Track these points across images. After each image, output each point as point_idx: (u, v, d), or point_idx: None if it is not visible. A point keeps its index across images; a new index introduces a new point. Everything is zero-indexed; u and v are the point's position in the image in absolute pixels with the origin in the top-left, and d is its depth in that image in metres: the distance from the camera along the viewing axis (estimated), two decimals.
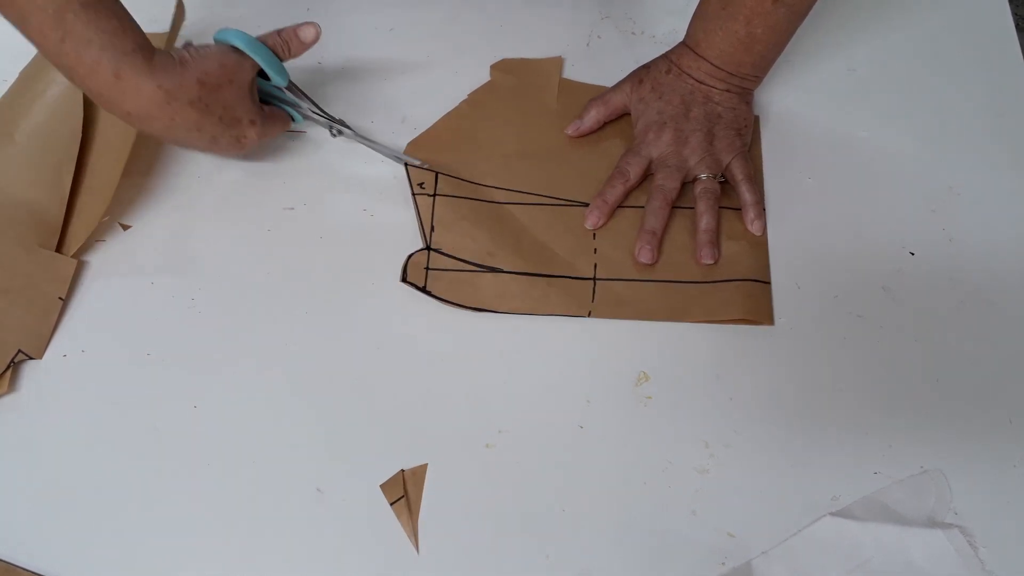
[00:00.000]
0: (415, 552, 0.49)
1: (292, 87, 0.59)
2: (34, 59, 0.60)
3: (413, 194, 0.59)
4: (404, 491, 0.50)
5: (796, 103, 0.65)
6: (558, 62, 0.67)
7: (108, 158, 0.57)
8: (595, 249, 0.58)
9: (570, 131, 0.63)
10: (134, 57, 0.49)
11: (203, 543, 0.49)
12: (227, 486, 0.51)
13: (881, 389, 0.54)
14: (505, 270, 0.57)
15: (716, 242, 0.58)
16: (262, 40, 0.56)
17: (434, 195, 0.59)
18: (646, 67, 0.63)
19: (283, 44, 0.57)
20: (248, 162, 0.62)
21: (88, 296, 0.57)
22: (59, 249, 0.57)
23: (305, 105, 0.59)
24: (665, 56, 0.62)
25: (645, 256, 0.57)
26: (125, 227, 0.60)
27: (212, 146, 0.56)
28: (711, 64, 0.60)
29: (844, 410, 0.53)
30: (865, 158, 0.63)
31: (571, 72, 0.67)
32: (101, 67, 0.48)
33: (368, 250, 0.59)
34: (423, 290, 0.56)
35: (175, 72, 0.51)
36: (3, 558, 0.49)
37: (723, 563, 0.48)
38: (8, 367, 0.54)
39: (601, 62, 0.67)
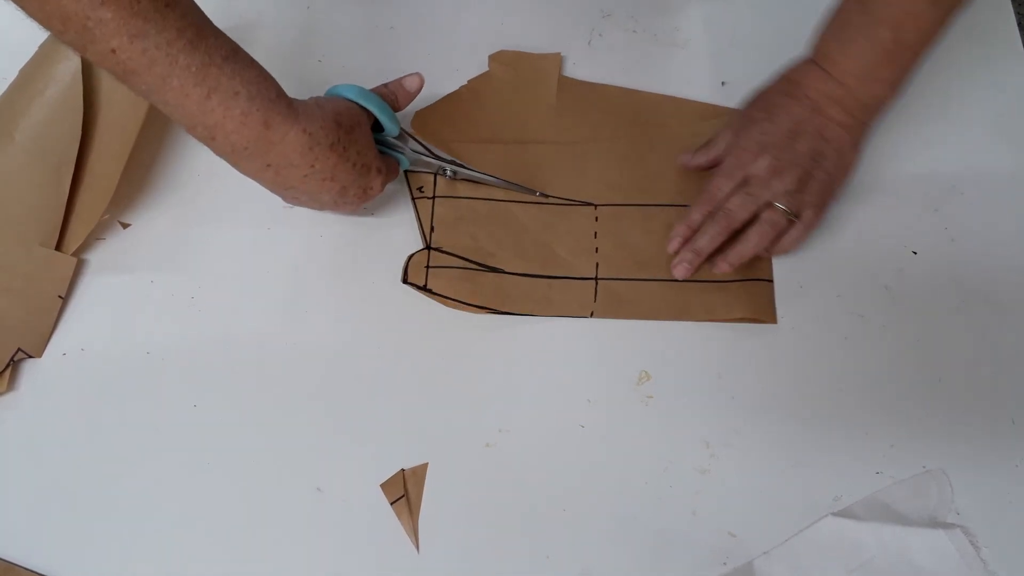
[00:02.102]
0: (415, 551, 0.49)
1: (403, 135, 0.57)
2: (33, 57, 0.60)
3: (412, 199, 0.59)
4: (404, 490, 0.50)
5: None
6: (556, 59, 0.66)
7: (108, 156, 0.57)
8: (596, 248, 0.58)
9: (681, 160, 0.60)
10: (279, 103, 0.47)
11: (203, 542, 0.49)
12: (227, 485, 0.51)
13: (883, 389, 0.54)
14: (506, 271, 0.57)
15: (737, 263, 0.55)
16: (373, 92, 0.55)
17: (433, 198, 0.59)
18: (761, 89, 0.59)
19: (391, 95, 0.56)
20: None
21: (88, 294, 0.57)
22: (59, 247, 0.56)
23: (411, 151, 0.58)
24: (784, 75, 0.57)
25: (680, 271, 0.55)
26: (125, 225, 0.60)
27: (339, 198, 0.53)
28: (840, 83, 0.54)
29: (846, 410, 0.53)
30: (867, 156, 0.62)
31: (572, 70, 0.67)
32: (251, 118, 0.46)
33: (368, 249, 0.58)
34: (424, 289, 0.56)
35: (316, 114, 0.49)
36: (3, 557, 0.49)
37: (724, 563, 0.48)
38: (8, 365, 0.54)
39: (602, 60, 0.67)
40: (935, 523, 0.49)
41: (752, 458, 0.51)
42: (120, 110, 0.57)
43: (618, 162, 0.62)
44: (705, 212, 0.56)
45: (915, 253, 0.58)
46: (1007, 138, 0.63)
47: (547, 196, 0.60)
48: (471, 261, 0.57)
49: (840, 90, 0.55)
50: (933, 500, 0.50)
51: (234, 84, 0.45)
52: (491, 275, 0.57)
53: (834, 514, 0.49)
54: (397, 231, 0.59)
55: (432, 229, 0.58)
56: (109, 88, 0.58)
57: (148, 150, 0.62)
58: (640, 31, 0.69)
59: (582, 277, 0.57)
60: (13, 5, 0.42)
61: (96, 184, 0.57)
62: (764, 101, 0.57)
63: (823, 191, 0.56)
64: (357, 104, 0.53)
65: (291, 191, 0.52)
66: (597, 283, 0.57)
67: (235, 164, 0.50)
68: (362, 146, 0.52)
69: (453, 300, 0.56)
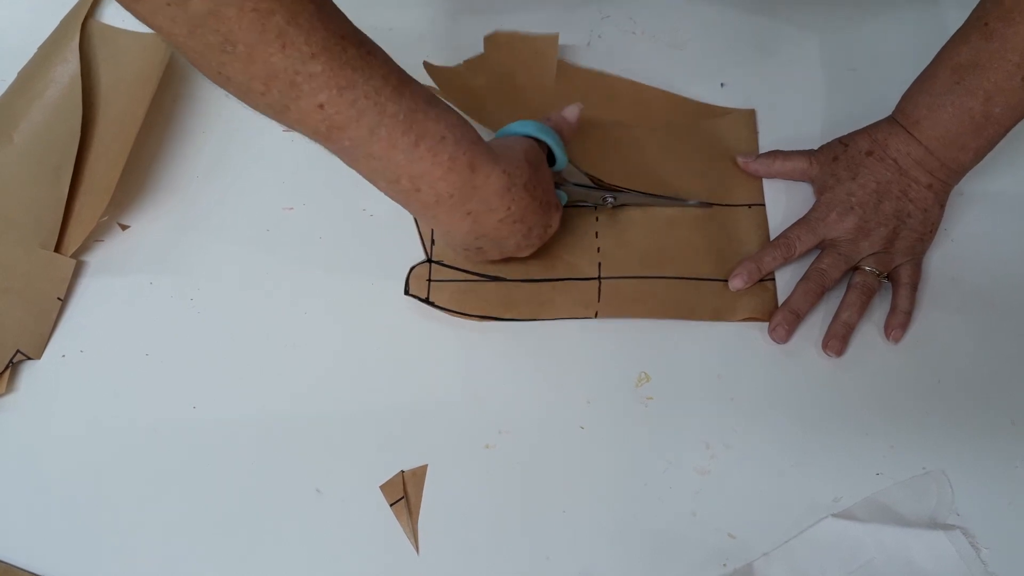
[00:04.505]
0: (415, 553, 0.49)
1: (571, 167, 0.57)
2: (32, 59, 0.60)
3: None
4: (404, 492, 0.50)
5: (796, 102, 0.65)
6: (553, 40, 0.66)
7: (107, 158, 0.57)
8: (598, 248, 0.58)
9: (739, 160, 0.61)
10: (480, 145, 0.46)
11: (202, 543, 0.49)
12: (226, 486, 0.51)
13: (883, 390, 0.54)
14: (507, 278, 0.57)
15: (848, 338, 0.55)
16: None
17: None
18: (843, 144, 0.58)
19: (557, 129, 0.54)
20: (247, 161, 0.62)
21: (87, 296, 0.57)
22: (58, 249, 0.56)
23: (571, 183, 0.57)
24: (867, 133, 0.57)
25: (779, 335, 0.54)
26: (124, 227, 0.60)
27: (524, 240, 0.51)
28: (925, 149, 0.55)
29: (846, 410, 0.53)
30: None
31: None
32: (458, 162, 0.44)
33: (368, 250, 0.58)
34: (426, 301, 0.56)
35: (511, 154, 0.48)
36: (1, 558, 0.49)
37: (724, 564, 0.48)
38: (7, 367, 0.54)
39: (601, 62, 0.67)
40: (935, 524, 0.49)
41: (752, 459, 0.51)
42: (119, 112, 0.58)
43: (617, 149, 0.61)
44: (779, 258, 0.56)
45: None
46: (1007, 138, 0.63)
47: (707, 204, 0.59)
48: (472, 273, 0.57)
49: (924, 153, 0.55)
50: (933, 501, 0.50)
51: (440, 128, 0.44)
52: (493, 284, 0.57)
53: (834, 515, 0.49)
54: (397, 231, 0.59)
55: (433, 242, 0.58)
56: (108, 90, 0.58)
57: (147, 152, 0.62)
58: (639, 32, 0.69)
59: (585, 277, 0.57)
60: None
61: (95, 186, 0.57)
62: (849, 160, 0.57)
63: (910, 249, 0.56)
64: (535, 139, 0.52)
65: (480, 240, 0.50)
66: (600, 283, 0.57)
67: (434, 216, 0.47)
68: (547, 183, 0.51)
69: (456, 312, 0.56)
